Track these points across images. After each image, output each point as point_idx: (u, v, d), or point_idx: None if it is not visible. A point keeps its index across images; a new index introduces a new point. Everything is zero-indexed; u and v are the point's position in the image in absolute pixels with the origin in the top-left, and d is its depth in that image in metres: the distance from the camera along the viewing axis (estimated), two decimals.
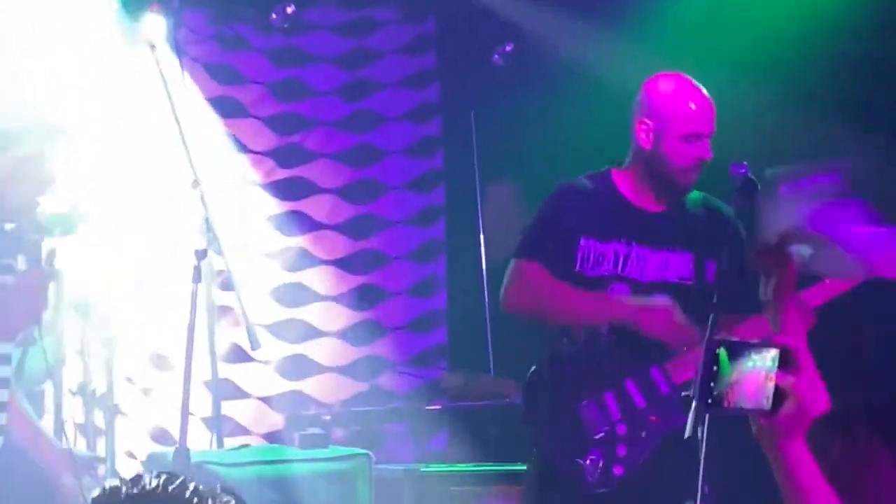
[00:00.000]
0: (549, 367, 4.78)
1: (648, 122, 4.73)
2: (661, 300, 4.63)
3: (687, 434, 4.02)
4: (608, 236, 4.72)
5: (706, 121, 4.69)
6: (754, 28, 6.65)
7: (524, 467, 5.24)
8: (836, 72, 6.51)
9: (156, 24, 6.22)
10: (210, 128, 7.45)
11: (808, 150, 6.42)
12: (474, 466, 6.34)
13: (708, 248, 4.71)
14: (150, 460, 5.65)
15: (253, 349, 6.33)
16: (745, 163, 4.46)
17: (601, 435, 4.62)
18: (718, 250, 4.60)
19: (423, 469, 6.17)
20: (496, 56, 8.00)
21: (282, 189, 7.79)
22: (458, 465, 6.39)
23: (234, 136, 7.65)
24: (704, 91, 4.75)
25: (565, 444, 4.69)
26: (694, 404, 3.88)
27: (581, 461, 4.63)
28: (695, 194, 4.84)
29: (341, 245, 7.95)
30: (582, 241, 4.71)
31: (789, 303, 3.97)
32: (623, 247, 4.72)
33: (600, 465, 4.62)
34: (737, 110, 5.10)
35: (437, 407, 7.15)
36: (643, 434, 4.65)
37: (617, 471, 4.62)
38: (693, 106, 4.71)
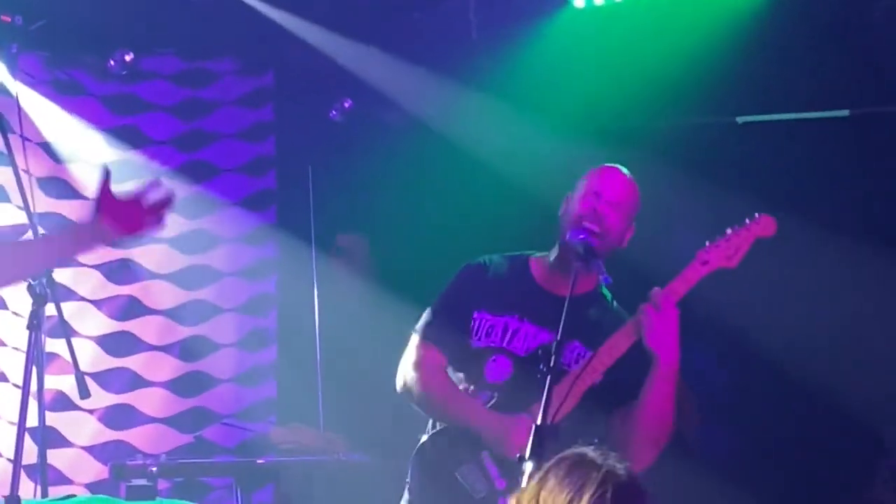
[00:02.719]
0: (430, 439, 4.86)
1: (570, 193, 4.83)
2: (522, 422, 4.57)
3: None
4: (502, 310, 4.80)
5: (614, 188, 4.75)
6: (599, 85, 6.79)
7: None
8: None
9: None
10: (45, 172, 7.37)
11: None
12: None
13: (581, 334, 4.71)
14: None
15: (82, 398, 6.25)
16: (583, 228, 4.59)
17: (483, 495, 4.68)
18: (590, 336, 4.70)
19: None
20: (334, 112, 8.04)
21: None
22: None
23: (67, 181, 7.57)
24: (629, 175, 4.82)
25: None
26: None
27: None
28: (608, 293, 4.86)
29: (172, 295, 7.87)
30: (475, 315, 4.81)
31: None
32: (514, 321, 4.79)
33: None
34: (570, 166, 5.18)
35: (263, 461, 7.09)
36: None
37: None
38: (606, 173, 4.81)
